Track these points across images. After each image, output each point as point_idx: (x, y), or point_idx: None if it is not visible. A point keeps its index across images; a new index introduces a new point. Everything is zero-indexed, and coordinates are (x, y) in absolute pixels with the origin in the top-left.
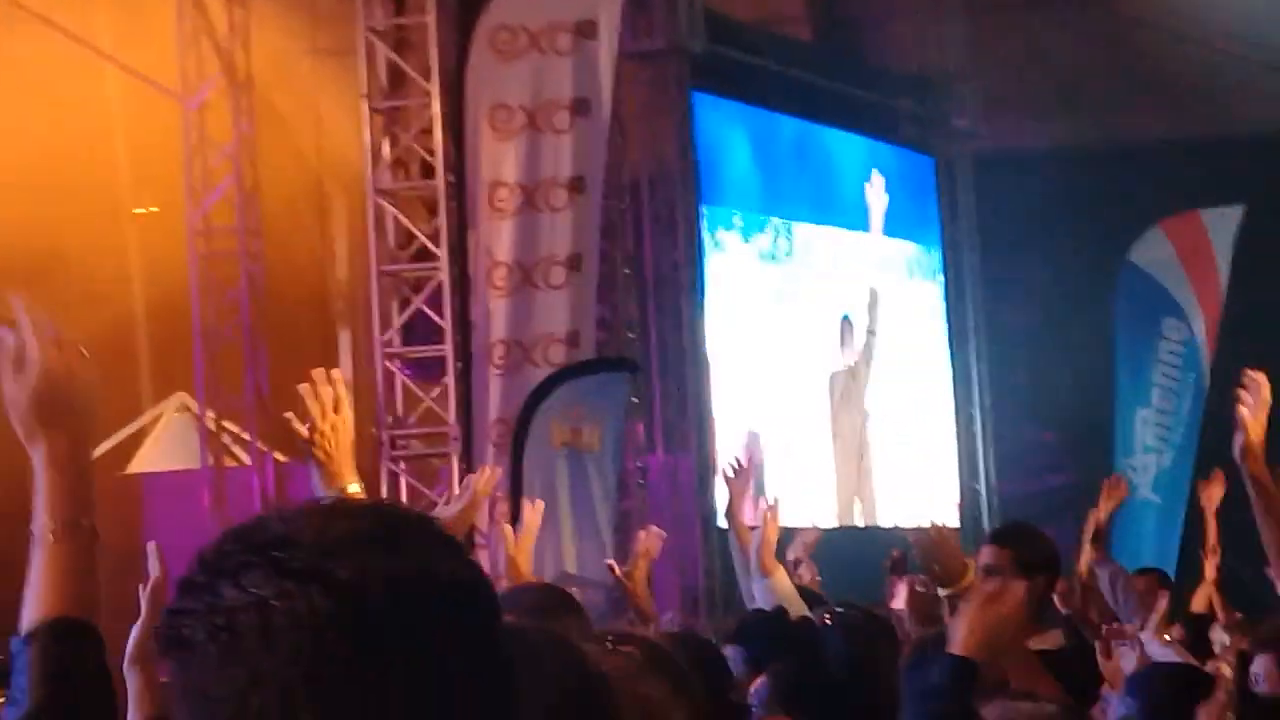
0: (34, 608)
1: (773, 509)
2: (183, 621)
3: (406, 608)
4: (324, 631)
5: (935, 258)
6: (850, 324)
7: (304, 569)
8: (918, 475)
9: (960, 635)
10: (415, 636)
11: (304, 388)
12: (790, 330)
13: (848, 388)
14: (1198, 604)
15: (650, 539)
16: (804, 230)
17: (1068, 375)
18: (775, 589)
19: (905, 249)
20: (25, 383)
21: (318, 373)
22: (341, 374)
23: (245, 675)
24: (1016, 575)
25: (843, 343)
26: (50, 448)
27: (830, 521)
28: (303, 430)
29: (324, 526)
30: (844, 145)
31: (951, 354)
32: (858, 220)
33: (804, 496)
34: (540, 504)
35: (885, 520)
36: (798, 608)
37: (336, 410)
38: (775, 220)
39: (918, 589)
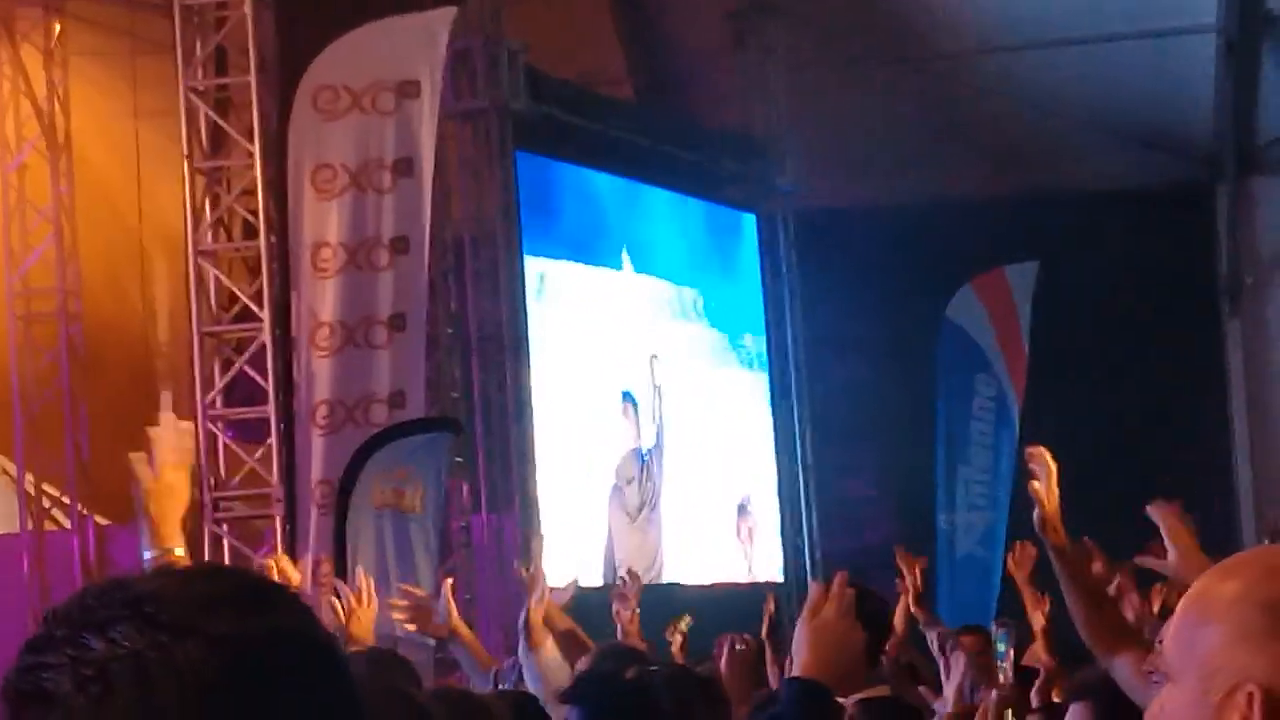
0: None
1: (533, 576)
2: (43, 675)
3: (282, 663)
4: (204, 684)
5: (757, 314)
6: (634, 404)
7: (177, 623)
8: (718, 534)
9: (800, 658)
10: (291, 691)
11: (139, 452)
12: (603, 387)
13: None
14: (1029, 659)
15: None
16: (617, 277)
17: (891, 432)
18: (540, 666)
19: (724, 302)
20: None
21: (160, 430)
22: (190, 427)
23: None
24: None
25: (630, 420)
26: None
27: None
28: (147, 480)
29: (187, 585)
30: (664, 203)
31: (773, 409)
32: (676, 273)
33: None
34: (368, 578)
35: (672, 577)
36: (562, 679)
37: (176, 468)
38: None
39: (738, 648)
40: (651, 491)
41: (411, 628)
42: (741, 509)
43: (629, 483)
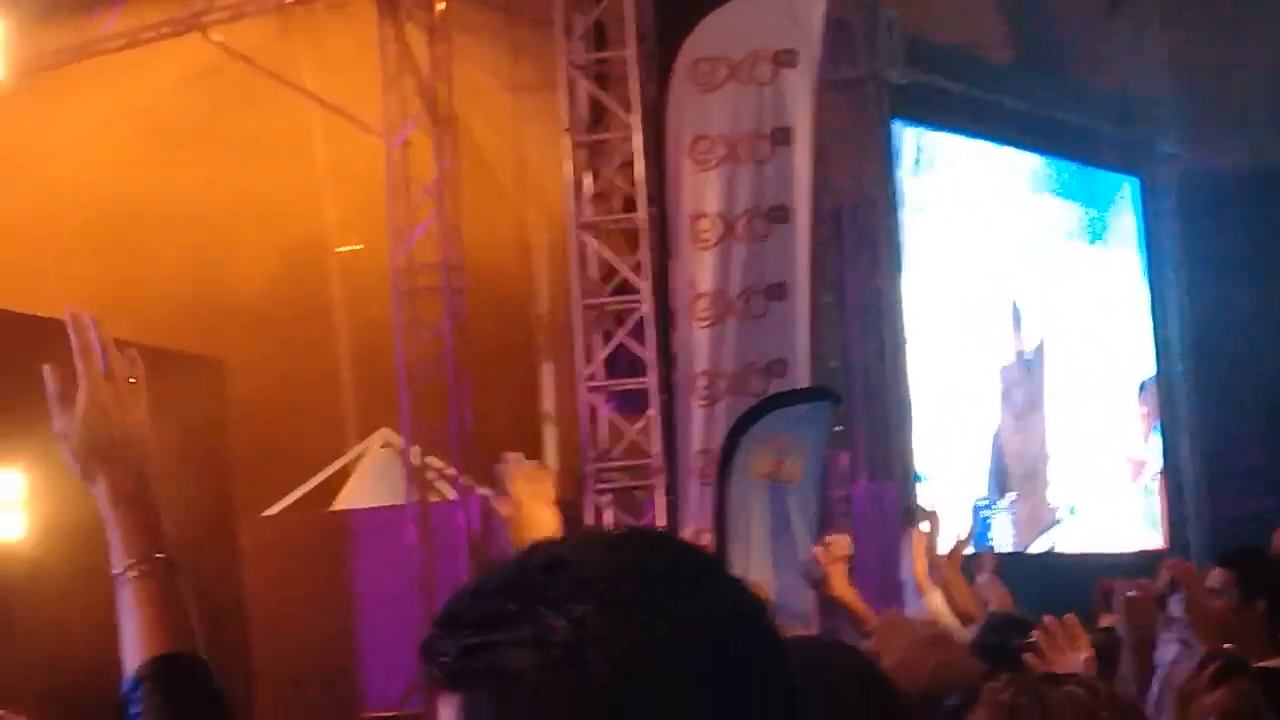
0: (135, 649)
1: (928, 528)
2: (504, 651)
3: (743, 643)
4: (681, 669)
5: (1142, 276)
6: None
7: (634, 601)
8: (1108, 494)
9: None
10: (749, 669)
11: (504, 468)
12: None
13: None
14: None
15: (836, 545)
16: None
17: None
18: (930, 610)
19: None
20: (73, 418)
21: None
22: (548, 472)
23: (603, 709)
24: (1241, 599)
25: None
26: (111, 484)
27: (1009, 545)
28: (505, 509)
29: (638, 559)
30: (1048, 169)
31: (1157, 372)
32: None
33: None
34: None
35: (1074, 545)
36: (952, 628)
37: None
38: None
39: (1130, 594)
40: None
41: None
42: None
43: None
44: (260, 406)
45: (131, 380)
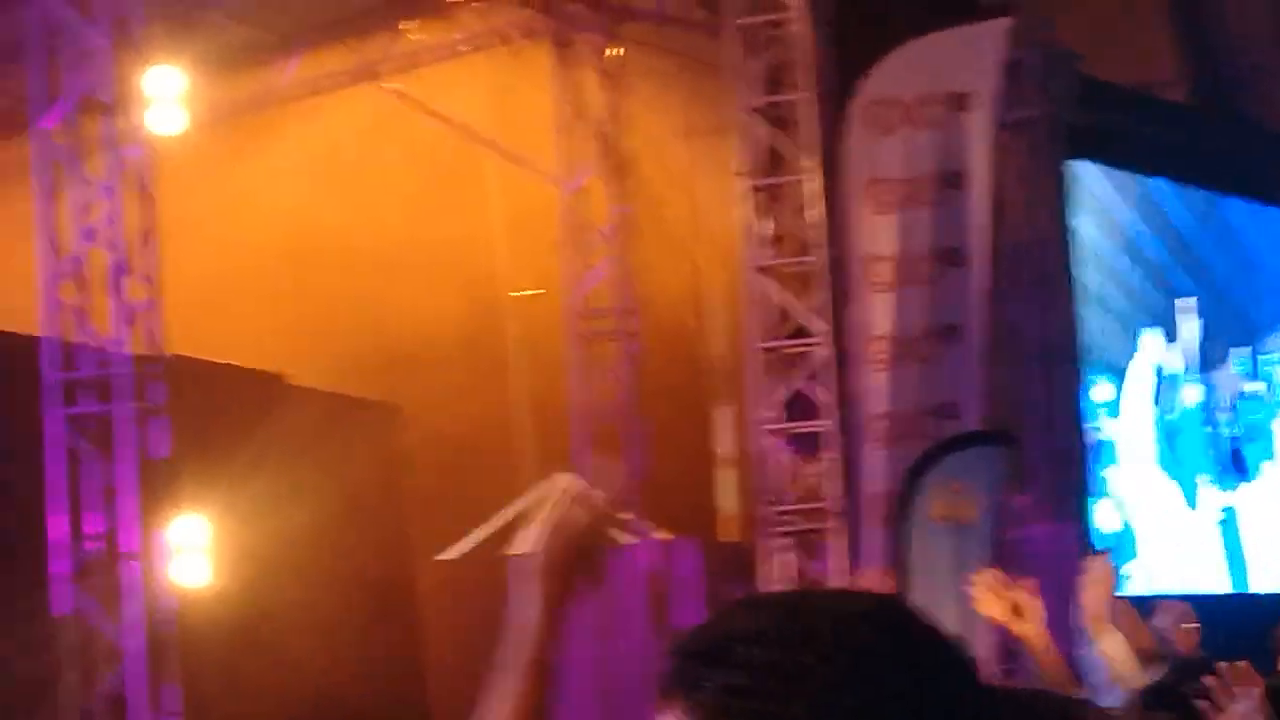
0: None
1: (1102, 565)
2: (768, 704)
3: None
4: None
5: None
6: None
7: (887, 684)
8: None
9: None
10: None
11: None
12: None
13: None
14: None
15: (1029, 601)
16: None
17: None
18: (1105, 653)
19: None
20: (561, 532)
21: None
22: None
23: None
24: None
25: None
26: (548, 592)
27: (1196, 587)
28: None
29: (896, 637)
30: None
31: None
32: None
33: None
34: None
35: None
36: (1130, 673)
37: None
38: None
39: None
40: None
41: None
42: None
43: None
44: (436, 451)
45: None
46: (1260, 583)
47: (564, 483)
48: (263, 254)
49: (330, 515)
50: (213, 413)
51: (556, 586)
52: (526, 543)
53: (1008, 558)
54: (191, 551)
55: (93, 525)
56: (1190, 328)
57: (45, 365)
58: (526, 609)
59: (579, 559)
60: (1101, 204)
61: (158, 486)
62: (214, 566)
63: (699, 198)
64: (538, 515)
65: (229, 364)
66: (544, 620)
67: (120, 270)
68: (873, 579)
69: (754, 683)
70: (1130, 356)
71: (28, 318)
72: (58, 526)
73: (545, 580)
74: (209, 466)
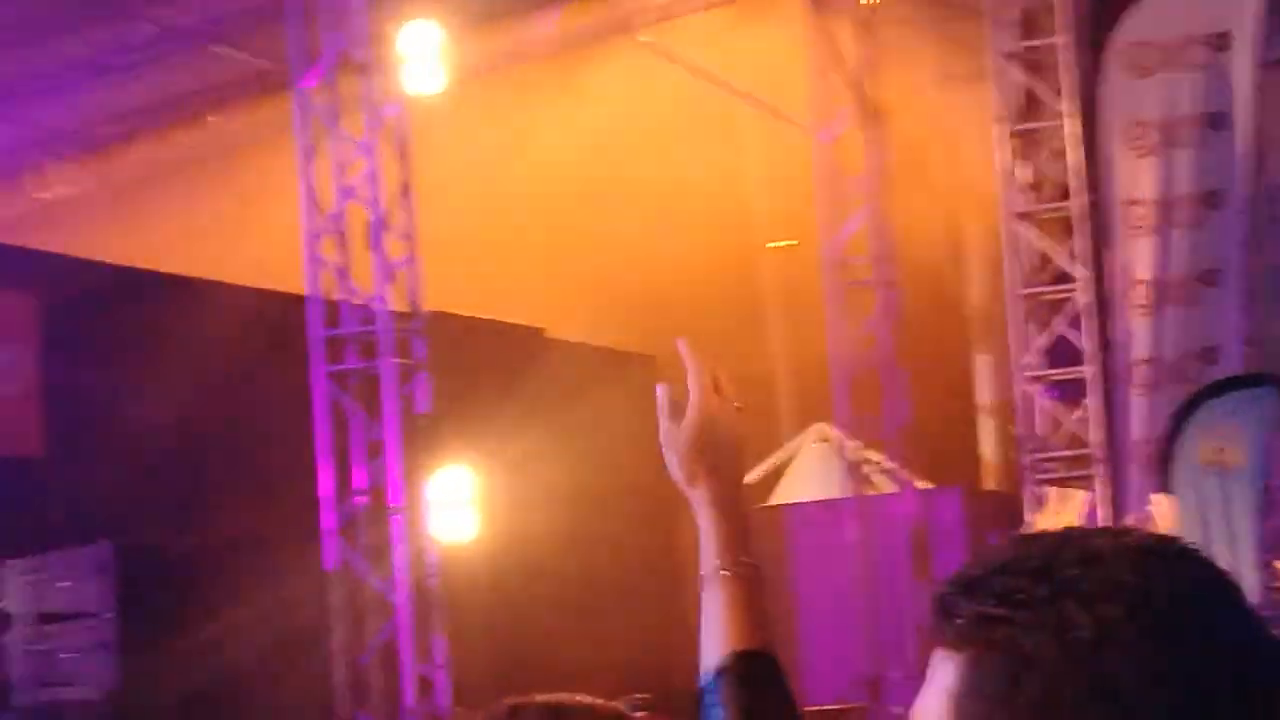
0: (716, 645)
1: None
2: (1019, 632)
3: (1262, 675)
4: (1203, 692)
5: None
6: None
7: (1165, 616)
8: None
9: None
10: (1269, 707)
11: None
12: None
13: None
14: None
15: None
16: None
17: None
18: None
19: None
20: (684, 428)
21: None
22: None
23: (1118, 714)
24: None
25: None
26: (710, 491)
27: None
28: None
29: (1171, 573)
30: None
31: None
32: None
33: None
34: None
35: None
36: None
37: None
38: None
39: None
40: None
41: None
42: None
43: None
44: None
45: (737, 405)
46: None
47: (824, 433)
48: (521, 209)
49: (591, 468)
50: (473, 367)
51: (713, 485)
52: (787, 493)
53: (1276, 503)
54: (455, 505)
55: (359, 480)
56: None
57: (310, 323)
58: (703, 522)
59: (715, 448)
60: None
61: (421, 441)
62: (477, 520)
63: (956, 144)
64: (799, 465)
65: (488, 319)
66: (724, 524)
67: (379, 227)
68: (1137, 525)
69: (1007, 610)
70: None
71: (290, 276)
72: (325, 482)
73: (700, 484)
74: (471, 421)
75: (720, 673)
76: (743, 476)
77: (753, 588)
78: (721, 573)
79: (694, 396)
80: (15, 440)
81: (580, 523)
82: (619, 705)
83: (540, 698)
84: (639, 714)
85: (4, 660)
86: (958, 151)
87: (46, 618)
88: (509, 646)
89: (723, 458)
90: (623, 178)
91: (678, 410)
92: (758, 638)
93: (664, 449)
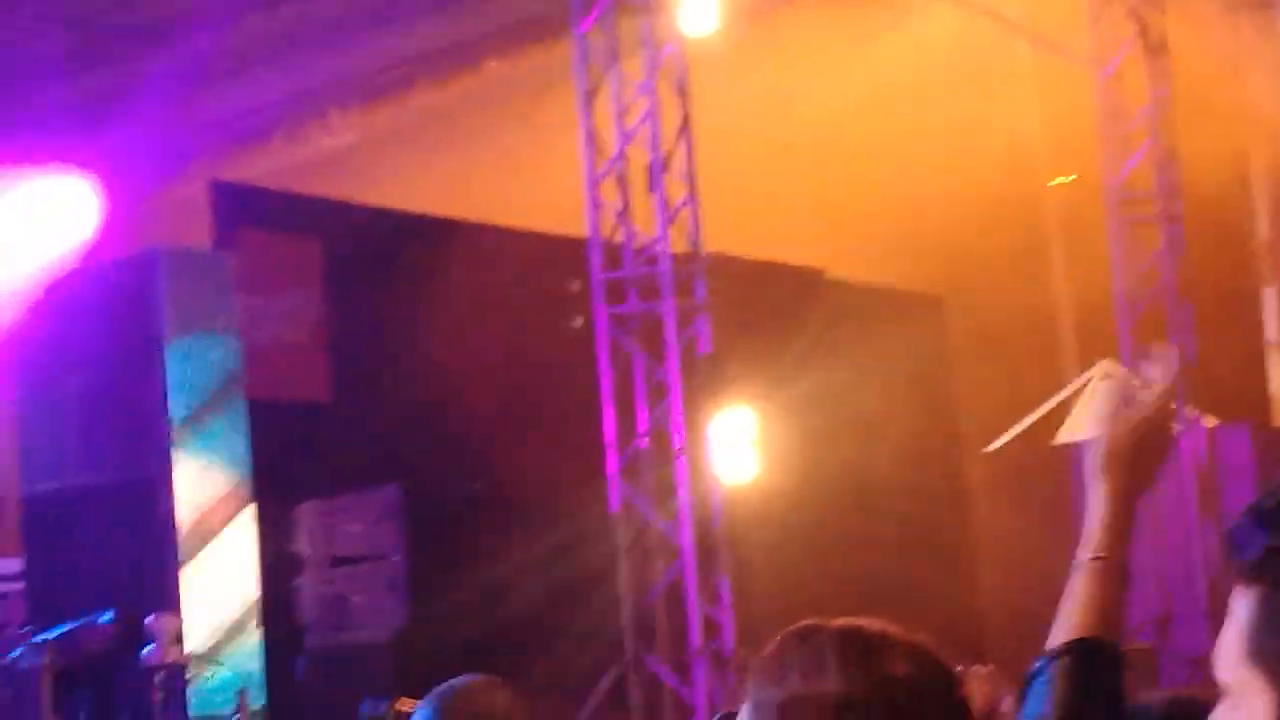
0: (1063, 628)
1: None
2: None
3: None
4: None
5: None
6: None
7: None
8: None
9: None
10: None
11: None
12: None
13: None
14: None
15: None
16: None
17: None
18: None
19: None
20: (1124, 421)
21: None
22: None
23: None
24: None
25: None
26: (1118, 486)
27: None
28: None
29: None
30: None
31: None
32: None
33: None
34: None
35: None
36: None
37: None
38: None
39: None
40: None
41: None
42: None
43: None
44: (978, 342)
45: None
46: None
47: (1108, 370)
48: (800, 150)
49: (873, 408)
50: (754, 308)
51: (1123, 480)
52: (1071, 432)
53: None
54: (737, 446)
55: (642, 422)
56: None
57: (592, 266)
58: (1095, 507)
59: (1145, 450)
60: None
61: (702, 383)
62: (759, 460)
63: (1242, 75)
64: (1084, 404)
65: (768, 260)
66: (1112, 517)
67: (659, 169)
68: None
69: None
70: None
71: (571, 219)
72: (609, 425)
73: (1112, 475)
74: (751, 362)
75: (1057, 656)
76: (1153, 484)
77: (1115, 582)
78: (1094, 562)
79: (1156, 397)
80: (304, 385)
81: (861, 463)
82: (921, 637)
83: (837, 622)
84: (979, 667)
85: (297, 603)
86: (1243, 82)
87: (337, 560)
88: (792, 587)
89: (1146, 462)
90: (902, 117)
91: (1129, 402)
92: (1106, 629)
93: (1095, 428)
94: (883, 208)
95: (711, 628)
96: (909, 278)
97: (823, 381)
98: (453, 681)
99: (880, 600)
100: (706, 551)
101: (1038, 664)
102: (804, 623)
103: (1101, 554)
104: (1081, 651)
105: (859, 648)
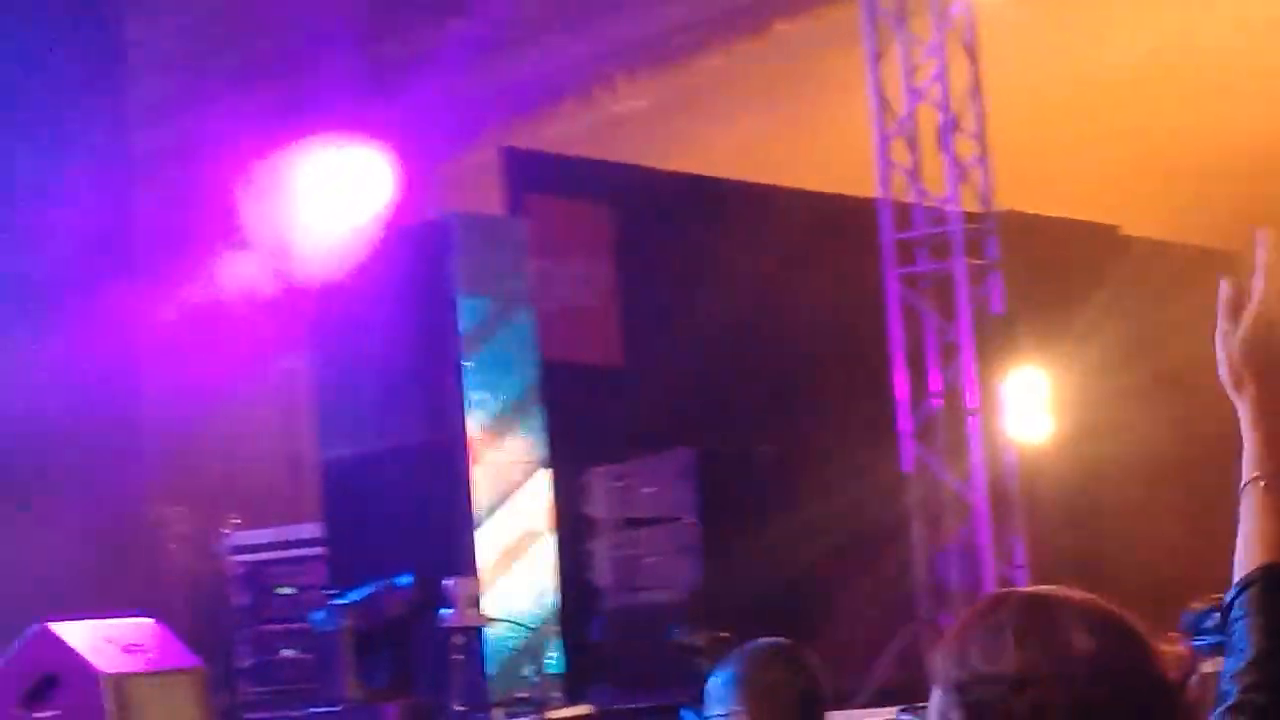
0: (1246, 557)
1: None
2: None
3: None
4: None
5: None
6: None
7: None
8: None
9: None
10: None
11: None
12: None
13: None
14: None
15: None
16: None
17: None
18: None
19: None
20: (1240, 328)
21: None
22: None
23: None
24: None
25: None
26: (1256, 399)
27: None
28: None
29: None
30: None
31: None
32: None
33: None
34: None
35: None
36: None
37: None
38: None
39: None
40: None
41: None
42: None
43: None
44: None
45: None
46: None
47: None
48: (1094, 104)
49: (1172, 370)
50: (1047, 267)
51: (1263, 387)
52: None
53: None
54: (1030, 406)
55: (934, 382)
56: None
57: (882, 226)
58: (1244, 424)
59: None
60: None
61: (994, 342)
62: (1053, 420)
63: None
64: None
65: (1062, 217)
66: (1264, 430)
67: (949, 128)
68: None
69: None
70: None
71: (859, 180)
72: (900, 384)
73: (1249, 385)
74: (1044, 321)
75: (1246, 585)
76: None
77: None
78: (1260, 483)
79: (1256, 295)
80: (598, 349)
81: (1158, 422)
82: (1114, 608)
83: (1027, 589)
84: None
85: (592, 565)
86: None
87: (631, 523)
88: (1086, 547)
89: (1276, 366)
90: (1202, 68)
91: (1236, 309)
92: None
93: (1217, 349)
94: (1182, 162)
95: (1006, 587)
96: (1211, 235)
97: (1118, 341)
98: (753, 643)
99: (1167, 563)
100: (1000, 511)
101: (1230, 597)
102: (991, 592)
103: (1265, 475)
104: (1270, 579)
105: (1040, 622)
